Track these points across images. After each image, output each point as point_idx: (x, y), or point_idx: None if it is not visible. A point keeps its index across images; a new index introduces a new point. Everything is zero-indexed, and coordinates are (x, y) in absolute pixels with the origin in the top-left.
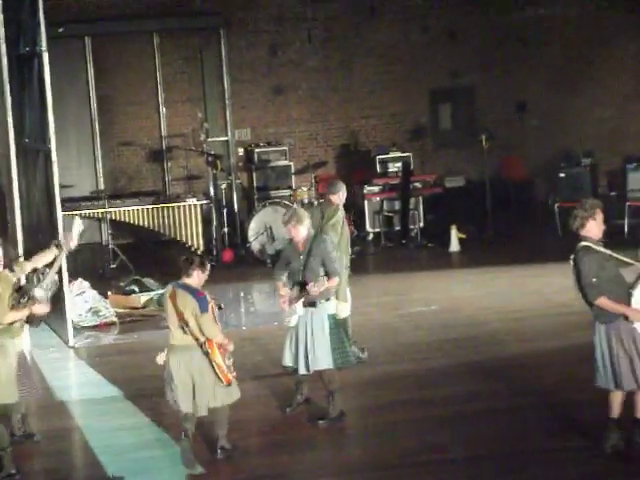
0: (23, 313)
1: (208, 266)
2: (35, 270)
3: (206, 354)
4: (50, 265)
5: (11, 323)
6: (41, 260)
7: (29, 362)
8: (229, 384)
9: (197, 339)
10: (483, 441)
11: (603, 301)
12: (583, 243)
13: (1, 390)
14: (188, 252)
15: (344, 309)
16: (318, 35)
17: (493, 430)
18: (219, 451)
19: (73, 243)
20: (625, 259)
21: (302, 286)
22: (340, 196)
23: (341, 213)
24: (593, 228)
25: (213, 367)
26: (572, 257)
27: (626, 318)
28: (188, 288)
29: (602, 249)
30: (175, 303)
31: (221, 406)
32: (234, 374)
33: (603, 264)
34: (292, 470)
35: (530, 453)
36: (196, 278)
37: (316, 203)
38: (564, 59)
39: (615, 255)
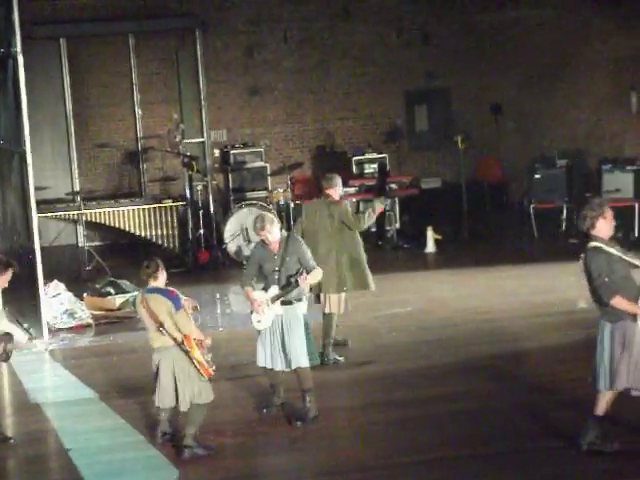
0: None
1: (162, 264)
2: None
3: (186, 352)
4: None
5: None
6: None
7: None
8: (210, 378)
9: (175, 338)
10: (460, 441)
11: (618, 300)
12: (593, 243)
13: None
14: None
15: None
16: (294, 36)
17: (470, 430)
18: (186, 451)
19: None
20: (635, 261)
21: (286, 284)
22: (337, 190)
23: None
24: (603, 227)
25: (193, 363)
26: (582, 256)
27: (635, 318)
28: (158, 290)
29: (613, 250)
30: (148, 307)
31: (201, 404)
32: (213, 368)
33: (612, 265)
34: (269, 471)
35: (506, 453)
36: (161, 279)
37: (315, 200)
38: (539, 61)
39: (625, 257)
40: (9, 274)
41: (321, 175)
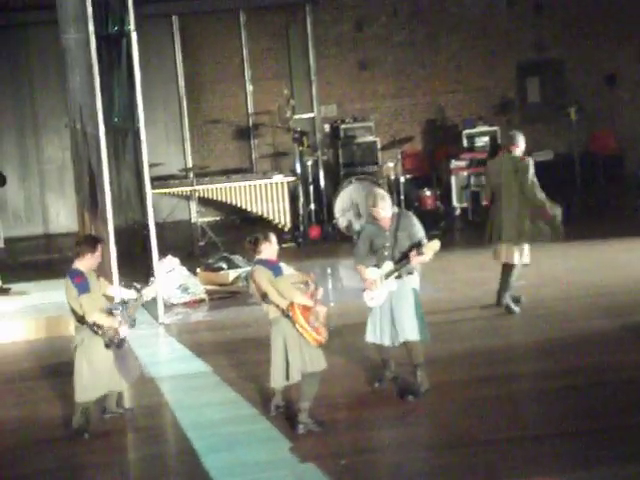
0: (109, 322)
1: (271, 235)
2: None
3: (288, 317)
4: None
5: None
6: (118, 292)
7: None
8: (319, 344)
9: (281, 308)
10: (569, 417)
11: None
12: None
13: (89, 384)
14: (250, 234)
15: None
16: (404, 9)
17: (580, 406)
18: (300, 426)
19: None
20: None
21: (400, 260)
22: (520, 146)
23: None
24: None
25: (299, 330)
26: None
27: None
28: (261, 261)
29: None
30: (254, 279)
31: (311, 374)
32: (324, 335)
33: None
34: (381, 446)
35: (613, 429)
36: (266, 251)
37: (499, 157)
38: None
39: None
40: (99, 251)
41: (433, 147)
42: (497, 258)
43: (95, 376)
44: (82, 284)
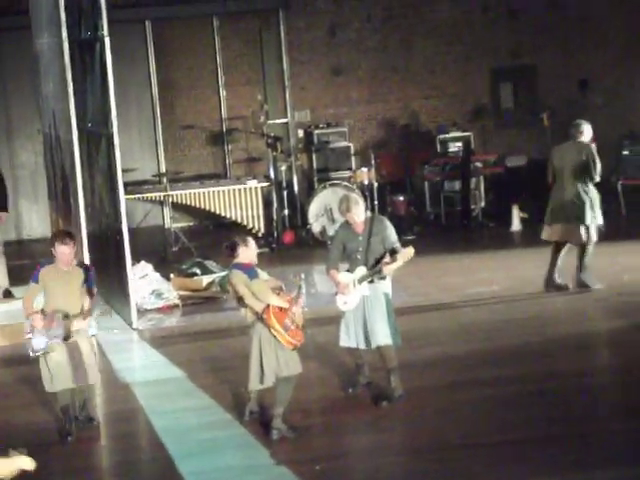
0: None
1: (249, 240)
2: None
3: (261, 320)
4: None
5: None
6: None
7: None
8: (294, 348)
9: (256, 312)
10: (546, 421)
11: None
12: None
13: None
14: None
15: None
16: (377, 15)
17: (557, 411)
18: (274, 431)
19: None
20: None
21: (374, 265)
22: (587, 134)
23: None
24: None
25: (273, 333)
26: None
27: None
28: (237, 266)
29: None
30: (231, 283)
31: (285, 378)
32: (298, 339)
33: None
34: (355, 450)
35: (595, 435)
36: (243, 254)
37: (565, 143)
38: (628, 35)
39: None
40: (72, 246)
41: (407, 153)
42: (550, 237)
43: (56, 368)
44: (33, 275)
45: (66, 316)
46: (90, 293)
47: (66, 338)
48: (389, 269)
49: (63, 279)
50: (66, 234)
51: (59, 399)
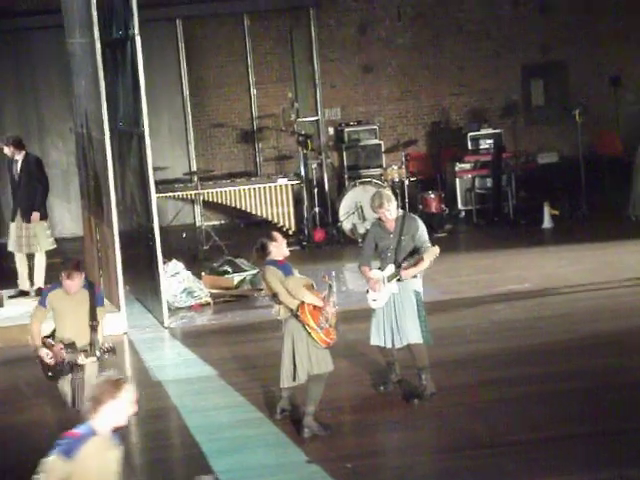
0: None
1: (275, 234)
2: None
3: (296, 317)
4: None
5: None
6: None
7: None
8: (327, 346)
9: (290, 309)
10: (575, 420)
11: None
12: None
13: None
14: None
15: None
16: (407, 12)
17: (588, 408)
18: (306, 430)
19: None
20: None
21: (402, 263)
22: None
23: None
24: None
25: (307, 330)
26: None
27: None
28: (271, 262)
29: None
30: (265, 279)
31: (317, 375)
32: (332, 336)
33: None
34: (387, 449)
35: (629, 432)
36: (275, 251)
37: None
38: None
39: None
40: (79, 278)
41: (437, 150)
42: None
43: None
44: (42, 295)
45: (72, 345)
46: (93, 316)
47: (72, 368)
48: (407, 274)
49: (72, 302)
50: (74, 267)
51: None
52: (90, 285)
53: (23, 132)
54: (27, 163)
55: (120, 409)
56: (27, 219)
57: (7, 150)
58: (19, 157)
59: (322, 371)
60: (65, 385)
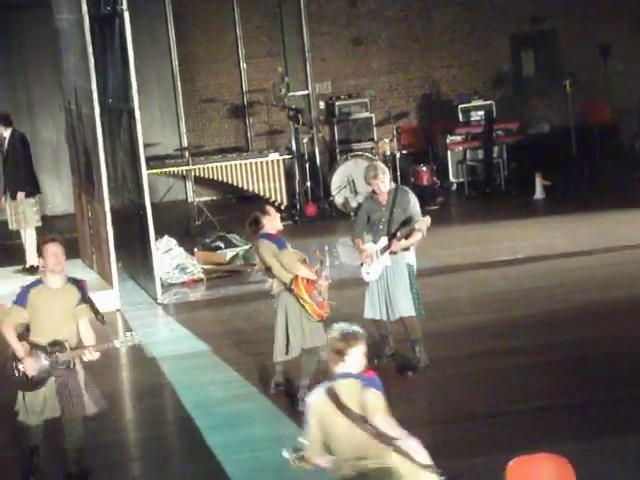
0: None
1: (269, 208)
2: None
3: (290, 291)
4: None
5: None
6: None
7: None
8: (321, 319)
9: (284, 282)
10: (570, 390)
11: None
12: None
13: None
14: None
15: None
16: None
17: (579, 379)
18: (301, 403)
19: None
20: None
21: (393, 236)
22: None
23: None
24: None
25: (301, 303)
26: None
27: None
28: (265, 235)
29: None
30: (258, 253)
31: (311, 349)
32: (326, 310)
33: None
34: None
35: (612, 402)
36: (268, 224)
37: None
38: None
39: None
40: (61, 247)
41: (428, 122)
42: None
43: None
44: (20, 294)
45: (57, 344)
46: (95, 310)
47: (67, 367)
48: (398, 246)
49: (57, 300)
50: (54, 236)
51: (31, 435)
52: (75, 281)
53: (12, 110)
54: (13, 140)
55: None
56: (13, 196)
57: None
58: (6, 134)
59: (315, 344)
60: (37, 397)
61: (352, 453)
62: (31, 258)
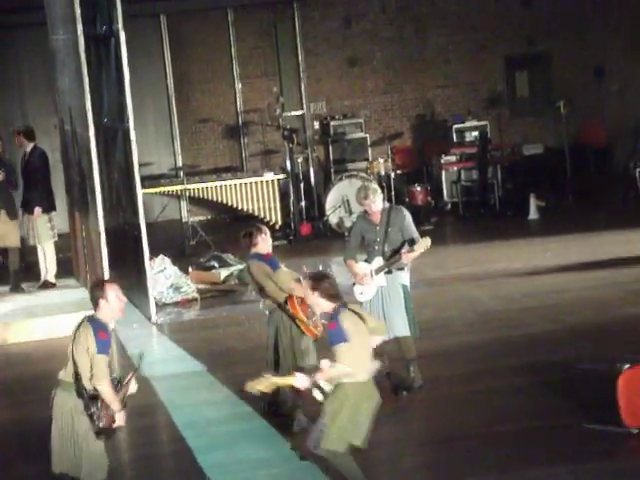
0: (112, 398)
1: (264, 228)
2: None
3: (287, 311)
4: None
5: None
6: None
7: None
8: (315, 338)
9: (279, 302)
10: (562, 411)
11: None
12: None
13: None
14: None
15: None
16: (392, 5)
17: (572, 400)
18: (294, 423)
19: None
20: None
21: (391, 256)
22: None
23: None
24: None
25: (297, 323)
26: None
27: None
28: (257, 256)
29: None
30: (251, 273)
31: (303, 368)
32: (319, 328)
33: None
34: (376, 441)
35: (609, 422)
36: (262, 244)
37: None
38: None
39: None
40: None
41: (423, 143)
42: None
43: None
44: (105, 341)
45: (118, 380)
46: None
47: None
48: (409, 257)
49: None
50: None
51: None
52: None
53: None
54: (32, 155)
55: None
56: (28, 211)
57: (17, 140)
58: (28, 148)
59: (307, 364)
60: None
61: None
62: (49, 274)
